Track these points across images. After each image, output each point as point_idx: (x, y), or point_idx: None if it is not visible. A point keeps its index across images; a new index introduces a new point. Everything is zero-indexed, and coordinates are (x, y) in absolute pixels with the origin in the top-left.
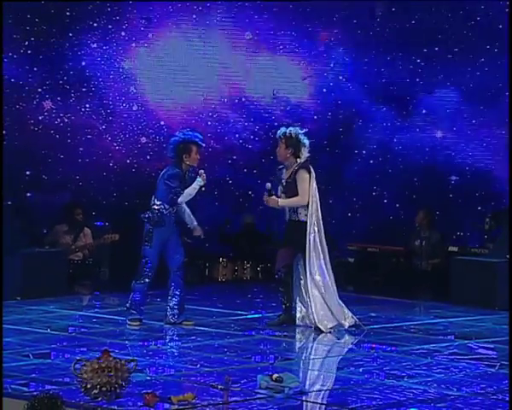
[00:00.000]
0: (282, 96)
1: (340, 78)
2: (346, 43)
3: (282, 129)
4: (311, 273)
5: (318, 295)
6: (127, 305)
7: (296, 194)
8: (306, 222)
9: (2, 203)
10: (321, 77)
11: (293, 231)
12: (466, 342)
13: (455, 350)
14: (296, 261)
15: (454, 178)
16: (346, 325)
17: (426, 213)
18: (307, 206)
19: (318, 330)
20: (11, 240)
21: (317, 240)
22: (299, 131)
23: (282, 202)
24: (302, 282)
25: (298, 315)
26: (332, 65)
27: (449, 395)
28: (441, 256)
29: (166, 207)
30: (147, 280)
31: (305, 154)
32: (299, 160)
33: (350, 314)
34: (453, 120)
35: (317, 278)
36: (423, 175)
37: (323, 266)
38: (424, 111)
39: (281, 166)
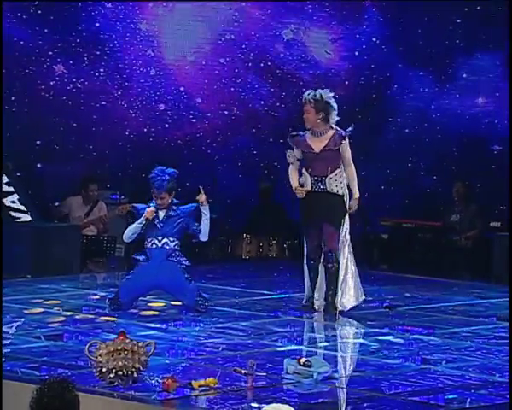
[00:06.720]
0: (310, 60)
1: (374, 39)
2: (379, 2)
3: (310, 91)
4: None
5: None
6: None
7: (339, 164)
8: (343, 195)
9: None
10: (352, 39)
11: (328, 205)
12: (508, 324)
13: (496, 333)
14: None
15: (497, 147)
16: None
17: (462, 184)
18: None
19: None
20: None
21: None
22: (329, 94)
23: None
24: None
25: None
26: (365, 26)
27: (491, 382)
28: (479, 228)
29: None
30: None
31: (335, 118)
32: (329, 125)
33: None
34: (496, 84)
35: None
36: (463, 145)
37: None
38: (464, 75)
39: (296, 133)
